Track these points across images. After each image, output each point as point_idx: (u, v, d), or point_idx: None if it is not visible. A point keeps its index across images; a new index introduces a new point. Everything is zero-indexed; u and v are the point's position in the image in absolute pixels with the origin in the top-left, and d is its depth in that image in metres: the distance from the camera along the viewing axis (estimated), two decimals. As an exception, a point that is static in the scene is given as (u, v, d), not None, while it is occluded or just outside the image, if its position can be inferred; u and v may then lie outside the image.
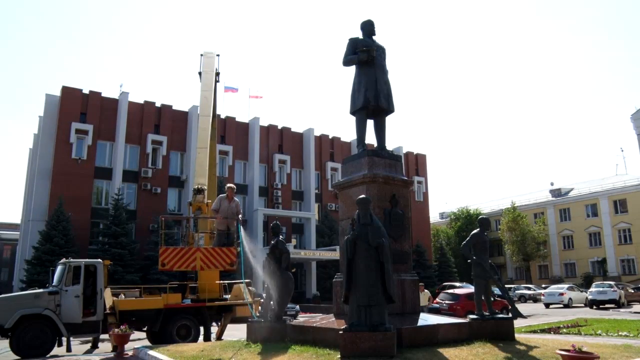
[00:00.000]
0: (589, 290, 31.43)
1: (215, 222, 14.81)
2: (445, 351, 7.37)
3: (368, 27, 10.68)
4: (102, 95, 38.43)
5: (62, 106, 36.17)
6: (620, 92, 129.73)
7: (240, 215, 14.46)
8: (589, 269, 56.36)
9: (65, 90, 36.67)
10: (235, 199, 14.90)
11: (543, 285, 45.95)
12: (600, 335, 12.35)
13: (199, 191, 15.23)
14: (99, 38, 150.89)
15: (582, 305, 30.83)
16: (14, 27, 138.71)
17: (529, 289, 43.77)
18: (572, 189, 62.38)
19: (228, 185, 15.35)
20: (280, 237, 10.25)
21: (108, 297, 13.76)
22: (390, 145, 11.02)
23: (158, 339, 13.76)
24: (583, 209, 58.80)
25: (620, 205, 55.83)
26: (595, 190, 58.09)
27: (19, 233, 44.74)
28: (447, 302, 21.19)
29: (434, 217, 66.70)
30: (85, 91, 37.65)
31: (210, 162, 17.41)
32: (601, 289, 29.84)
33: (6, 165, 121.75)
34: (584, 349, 6.63)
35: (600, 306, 28.66)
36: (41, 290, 13.45)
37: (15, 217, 61.63)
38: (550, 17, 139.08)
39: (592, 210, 57.97)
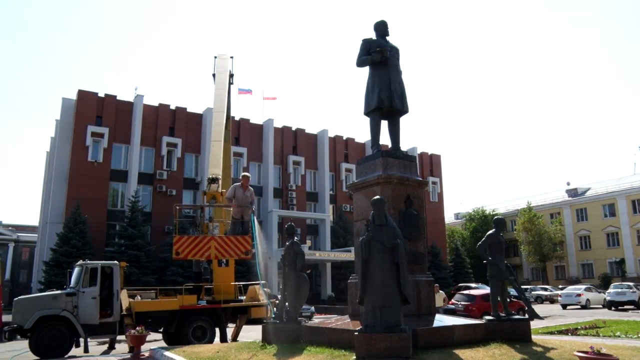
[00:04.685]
0: (607, 291, 31.03)
1: (231, 210, 14.87)
2: (461, 352, 7.31)
3: (381, 28, 10.66)
4: (118, 98, 38.76)
5: (78, 109, 36.54)
6: (638, 90, 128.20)
7: (254, 206, 14.55)
8: (606, 269, 55.74)
9: (81, 93, 37.03)
10: (250, 187, 14.95)
11: (560, 286, 45.57)
12: (619, 337, 12.20)
13: (213, 180, 15.32)
14: (114, 42, 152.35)
15: (600, 306, 30.46)
16: (32, 32, 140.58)
17: (546, 289, 43.42)
18: (588, 189, 61.75)
19: (243, 173, 15.42)
20: (295, 238, 10.25)
21: (124, 298, 13.86)
22: (404, 145, 11.03)
23: (174, 340, 13.84)
24: (600, 209, 58.18)
25: (638, 204, 55.11)
26: (612, 189, 57.47)
27: (37, 235, 45.26)
28: (462, 303, 21.04)
29: (449, 217, 66.37)
30: (101, 94, 37.99)
31: (225, 163, 17.50)
32: (620, 289, 29.47)
33: (24, 169, 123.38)
34: (603, 351, 6.55)
35: (619, 307, 28.28)
36: (59, 291, 13.60)
37: (34, 220, 62.34)
38: (566, 15, 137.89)
39: (610, 210, 57.33)
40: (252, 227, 14.02)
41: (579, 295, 31.05)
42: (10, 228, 62.71)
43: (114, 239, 35.20)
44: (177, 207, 16.36)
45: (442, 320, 9.08)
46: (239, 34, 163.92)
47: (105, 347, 14.80)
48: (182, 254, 13.92)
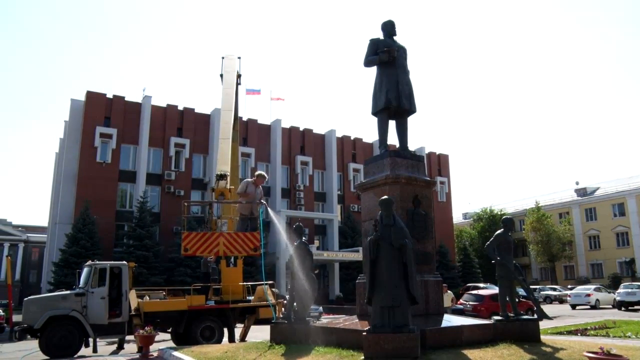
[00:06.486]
0: (617, 291, 30.82)
1: (238, 206, 14.90)
2: (470, 353, 7.28)
3: (389, 28, 10.65)
4: (126, 99, 38.92)
5: (87, 111, 36.73)
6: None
7: (263, 200, 14.70)
8: (616, 269, 55.38)
9: (90, 95, 37.23)
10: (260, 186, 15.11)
11: (569, 286, 45.28)
12: (629, 337, 12.07)
13: (221, 177, 15.35)
14: (122, 43, 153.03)
15: (610, 306, 30.25)
16: (40, 33, 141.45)
17: (555, 289, 43.20)
18: (598, 188, 61.40)
19: (260, 172, 15.52)
20: (303, 238, 10.25)
21: (133, 298, 13.92)
22: (412, 145, 11.03)
23: (182, 340, 13.89)
24: (610, 209, 57.81)
25: (648, 204, 54.71)
26: (622, 189, 57.11)
27: (46, 236, 45.55)
28: (471, 303, 20.97)
29: (457, 217, 66.15)
30: (109, 95, 38.17)
31: (233, 163, 17.54)
32: (630, 290, 29.23)
33: (34, 170, 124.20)
34: (613, 352, 6.50)
35: (629, 307, 28.08)
36: (68, 291, 13.69)
37: (43, 220, 62.78)
38: (574, 14, 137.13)
39: (620, 210, 56.97)
40: (261, 223, 14.07)
41: (588, 295, 30.84)
42: (20, 229, 63.18)
43: (122, 239, 35.35)
44: (186, 204, 16.47)
45: (450, 320, 9.06)
46: (247, 35, 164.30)
47: (114, 347, 14.88)
48: (190, 250, 13.96)
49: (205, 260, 17.10)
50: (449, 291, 19.39)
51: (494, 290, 22.00)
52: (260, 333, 14.56)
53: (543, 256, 57.29)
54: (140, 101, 39.61)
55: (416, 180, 9.72)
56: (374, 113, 10.48)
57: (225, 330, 14.54)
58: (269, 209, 14.84)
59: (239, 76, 20.70)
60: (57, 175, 41.61)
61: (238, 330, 15.10)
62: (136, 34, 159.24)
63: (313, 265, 10.10)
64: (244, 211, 14.69)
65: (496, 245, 9.47)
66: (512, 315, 9.07)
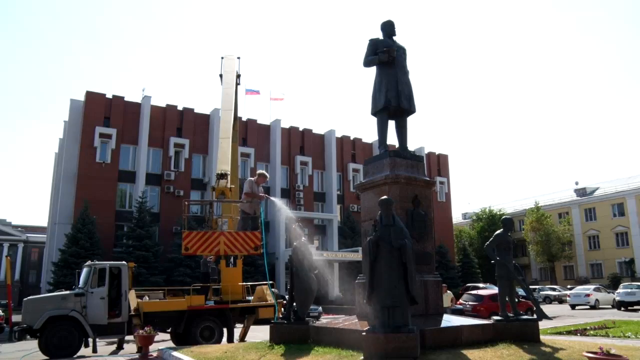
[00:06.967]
0: (617, 291, 30.85)
1: (242, 204, 14.93)
2: (469, 353, 7.28)
3: (388, 28, 10.63)
4: (125, 99, 38.91)
5: (87, 111, 36.72)
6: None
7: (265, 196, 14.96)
8: (616, 269, 55.39)
9: (89, 95, 37.22)
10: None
11: (568, 286, 45.32)
12: (629, 337, 12.07)
13: (222, 176, 15.36)
14: (121, 43, 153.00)
15: (610, 306, 30.28)
16: (40, 33, 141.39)
17: (554, 289, 43.21)
18: (597, 188, 61.43)
19: (261, 172, 15.57)
20: (303, 238, 10.24)
21: (132, 298, 13.91)
22: (412, 145, 11.03)
23: (182, 340, 13.88)
24: (609, 209, 57.83)
25: (648, 204, 54.72)
26: (621, 189, 57.15)
27: (46, 236, 45.55)
28: (470, 303, 20.97)
29: (456, 217, 66.14)
30: (109, 96, 38.17)
31: (233, 163, 17.54)
32: (629, 290, 29.26)
33: (33, 170, 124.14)
34: (612, 352, 6.49)
35: (629, 308, 28.10)
36: (68, 292, 13.69)
37: (43, 220, 62.75)
38: (574, 14, 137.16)
39: (619, 210, 57.00)
40: (262, 221, 14.11)
41: (587, 295, 30.86)
42: (19, 229, 63.17)
43: (122, 239, 35.34)
44: (187, 203, 16.49)
45: (450, 320, 9.05)
46: (246, 35, 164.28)
47: (113, 347, 14.87)
48: (191, 249, 13.95)
49: (205, 260, 17.09)
50: (448, 291, 19.39)
51: (494, 290, 22.02)
52: (260, 333, 14.56)
53: (542, 256, 57.31)
54: (139, 101, 39.60)
55: (416, 180, 9.71)
56: (374, 113, 10.46)
57: (225, 331, 14.53)
58: (272, 199, 14.99)
59: (238, 76, 20.70)
60: (57, 175, 41.60)
61: (238, 330, 15.09)
62: (136, 34, 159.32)
63: (313, 266, 10.09)
64: (249, 209, 14.70)
65: (495, 245, 9.47)
66: (511, 315, 9.07)
